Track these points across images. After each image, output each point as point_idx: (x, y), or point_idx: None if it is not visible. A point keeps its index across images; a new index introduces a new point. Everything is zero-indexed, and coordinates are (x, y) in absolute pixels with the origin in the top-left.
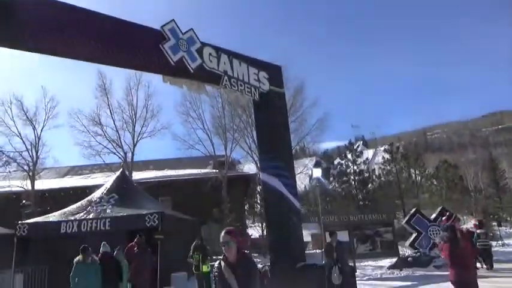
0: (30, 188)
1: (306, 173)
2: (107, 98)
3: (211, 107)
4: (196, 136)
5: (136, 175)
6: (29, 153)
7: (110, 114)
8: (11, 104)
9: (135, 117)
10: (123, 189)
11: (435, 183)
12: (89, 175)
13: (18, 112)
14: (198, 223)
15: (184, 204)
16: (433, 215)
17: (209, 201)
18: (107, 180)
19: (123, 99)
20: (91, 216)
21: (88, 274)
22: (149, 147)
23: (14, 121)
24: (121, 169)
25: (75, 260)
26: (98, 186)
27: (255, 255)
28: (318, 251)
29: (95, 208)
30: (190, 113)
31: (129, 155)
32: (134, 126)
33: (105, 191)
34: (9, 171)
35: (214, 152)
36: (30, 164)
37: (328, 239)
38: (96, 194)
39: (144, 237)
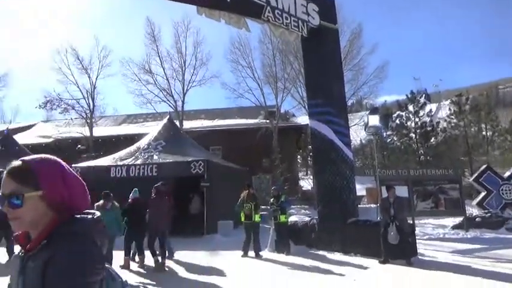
0: (88, 134)
1: (362, 125)
2: (156, 46)
3: (261, 55)
4: (246, 85)
5: (187, 124)
6: (85, 101)
7: (159, 62)
8: (66, 52)
9: (185, 66)
10: (170, 137)
11: (509, 139)
12: (143, 123)
13: (73, 61)
14: (247, 173)
15: (235, 154)
16: (507, 173)
17: (259, 151)
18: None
19: (172, 47)
20: (139, 162)
21: (107, 219)
22: (199, 96)
23: (70, 69)
24: (168, 116)
25: (96, 204)
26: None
27: (305, 207)
28: (372, 205)
29: (142, 154)
30: (239, 61)
31: (180, 104)
32: (184, 75)
33: (152, 138)
34: (71, 118)
35: (264, 101)
36: (88, 111)
37: (385, 194)
38: (144, 141)
39: (165, 185)
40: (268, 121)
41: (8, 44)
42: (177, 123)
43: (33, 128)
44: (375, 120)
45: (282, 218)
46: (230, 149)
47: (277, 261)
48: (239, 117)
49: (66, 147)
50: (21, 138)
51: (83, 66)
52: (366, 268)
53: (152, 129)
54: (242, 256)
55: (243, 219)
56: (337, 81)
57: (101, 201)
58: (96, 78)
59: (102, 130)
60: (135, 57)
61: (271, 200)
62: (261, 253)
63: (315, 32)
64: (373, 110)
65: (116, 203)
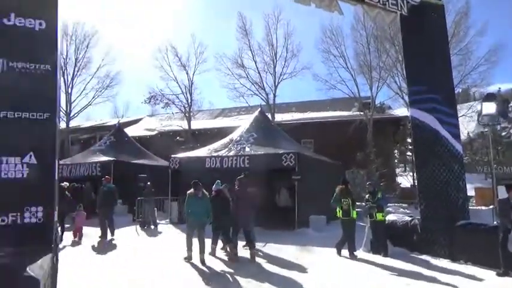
0: (187, 127)
1: (470, 116)
2: (248, 39)
3: (354, 43)
4: (339, 76)
5: (278, 117)
6: (184, 96)
7: (251, 56)
8: (167, 51)
9: (276, 58)
10: (262, 129)
11: None
12: (236, 117)
13: (173, 58)
14: (340, 167)
15: (327, 148)
16: None
17: (353, 145)
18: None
19: (263, 39)
20: (232, 153)
21: (198, 206)
22: (290, 88)
23: (170, 66)
24: (259, 109)
25: (188, 192)
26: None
27: (403, 205)
28: (483, 207)
29: (235, 146)
30: (331, 51)
31: (271, 96)
32: (275, 67)
33: (244, 130)
34: (172, 113)
35: (358, 92)
36: (186, 105)
37: (503, 195)
38: (237, 133)
39: (247, 176)
40: (362, 113)
41: (118, 45)
42: (269, 116)
43: (140, 121)
44: (490, 108)
45: (379, 216)
46: (322, 142)
47: (374, 263)
48: (331, 110)
49: (168, 139)
50: (130, 131)
51: (181, 63)
52: (480, 280)
53: (245, 122)
54: (337, 254)
55: (340, 215)
56: (443, 64)
57: (191, 190)
58: (193, 74)
59: (199, 123)
60: (228, 52)
61: (366, 196)
62: (355, 253)
63: (417, 9)
64: (489, 97)
65: (206, 192)
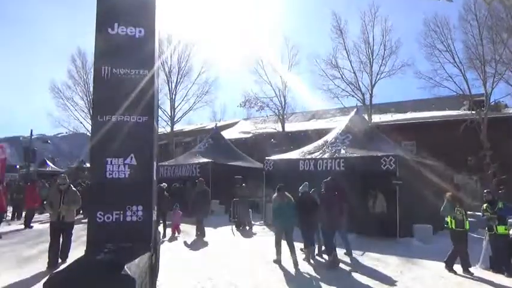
0: (281, 129)
1: None
2: (343, 39)
3: (463, 35)
4: (445, 72)
5: (376, 118)
6: (278, 99)
7: (346, 55)
8: (261, 55)
9: (372, 57)
10: (358, 131)
11: None
12: (330, 118)
13: (266, 62)
14: (448, 171)
15: (432, 150)
16: None
17: (462, 147)
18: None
19: (358, 38)
20: (326, 156)
21: (284, 209)
22: (389, 88)
23: (264, 70)
24: (355, 110)
25: (273, 196)
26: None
27: None
28: None
29: (330, 148)
30: (436, 45)
31: (368, 97)
32: (371, 66)
33: (339, 132)
34: (267, 116)
35: (468, 89)
36: (280, 108)
37: None
38: (331, 135)
39: (334, 180)
40: (473, 112)
41: (216, 52)
42: (366, 117)
43: (236, 125)
44: None
45: (501, 229)
46: (425, 144)
47: (493, 283)
48: (436, 109)
49: (262, 142)
50: (226, 134)
51: (274, 66)
52: None
53: (340, 124)
54: (446, 269)
55: (452, 226)
56: None
57: (276, 194)
58: (286, 77)
59: (292, 126)
60: (322, 52)
61: (484, 205)
62: (470, 269)
63: None
64: None
65: (289, 195)
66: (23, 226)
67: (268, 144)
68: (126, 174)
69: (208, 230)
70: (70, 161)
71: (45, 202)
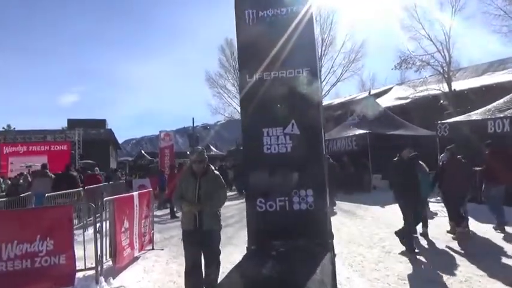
0: (446, 89)
1: None
2: None
3: None
4: None
5: None
6: (440, 54)
7: None
8: (415, 6)
9: None
10: None
11: None
12: (510, 70)
13: (423, 14)
14: None
15: None
16: None
17: None
18: None
19: None
20: None
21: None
22: None
23: (421, 23)
24: None
25: None
26: None
27: None
28: None
29: None
30: None
31: None
32: None
33: None
34: (426, 76)
35: None
36: (444, 65)
37: None
38: None
39: (457, 146)
40: None
41: (360, 15)
42: None
43: (390, 91)
44: None
45: None
46: None
47: None
48: None
49: (426, 106)
50: (381, 102)
51: (433, 16)
52: None
53: None
54: None
55: None
56: None
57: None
58: (450, 28)
59: (462, 83)
60: None
61: None
62: None
63: None
64: None
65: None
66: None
67: (435, 107)
68: (288, 147)
69: (376, 209)
70: (230, 145)
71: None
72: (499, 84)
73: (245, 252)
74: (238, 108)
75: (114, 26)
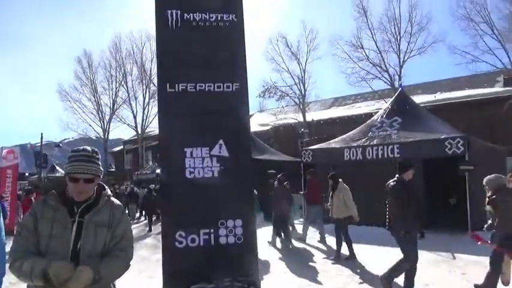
0: (301, 119)
1: None
2: (366, 17)
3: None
4: (485, 44)
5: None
6: (297, 87)
7: (370, 35)
8: (277, 41)
9: (399, 35)
10: (406, 112)
11: None
12: (352, 105)
13: (284, 48)
14: (504, 152)
15: (471, 132)
16: None
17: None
18: (371, 109)
19: (383, 15)
20: (375, 142)
21: None
22: (420, 67)
23: (281, 57)
24: (399, 89)
25: None
26: (363, 115)
27: None
28: None
29: (377, 133)
30: (471, 17)
31: (396, 78)
32: (399, 45)
33: (384, 115)
34: (283, 106)
35: (511, 62)
36: (300, 97)
37: None
38: (375, 118)
39: (285, 175)
40: None
41: None
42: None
43: (251, 118)
44: None
45: None
46: (462, 125)
47: None
48: (472, 87)
49: (283, 133)
50: None
51: (292, 52)
52: None
53: (364, 110)
54: None
55: None
56: None
57: None
58: (305, 63)
59: (312, 115)
60: (343, 35)
61: None
62: None
63: None
64: None
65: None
66: None
67: (294, 135)
68: (214, 171)
69: None
70: None
71: None
72: (343, 117)
73: None
74: (94, 125)
75: None
